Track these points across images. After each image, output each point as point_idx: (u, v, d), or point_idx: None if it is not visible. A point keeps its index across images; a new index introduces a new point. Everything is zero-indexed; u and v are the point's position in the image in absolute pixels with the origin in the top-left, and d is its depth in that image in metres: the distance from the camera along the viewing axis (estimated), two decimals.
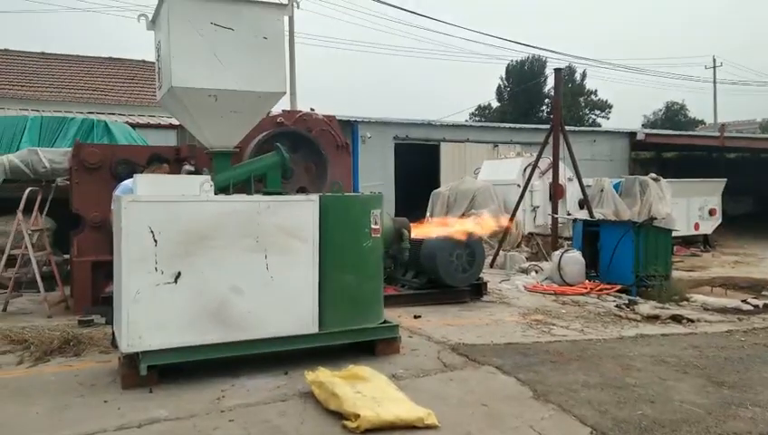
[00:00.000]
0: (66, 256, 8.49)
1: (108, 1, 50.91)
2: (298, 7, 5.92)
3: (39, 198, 7.93)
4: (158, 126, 15.54)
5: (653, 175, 15.67)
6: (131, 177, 6.12)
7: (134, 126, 13.27)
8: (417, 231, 7.41)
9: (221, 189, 5.39)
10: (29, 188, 7.87)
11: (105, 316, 6.43)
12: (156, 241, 4.50)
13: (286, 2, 5.74)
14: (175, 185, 4.92)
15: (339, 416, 3.93)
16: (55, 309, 7.48)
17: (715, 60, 41.83)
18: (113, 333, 5.20)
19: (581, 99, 43.38)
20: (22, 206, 7.67)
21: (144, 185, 4.80)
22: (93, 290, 7.25)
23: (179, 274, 4.57)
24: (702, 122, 44.04)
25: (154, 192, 4.71)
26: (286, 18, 5.84)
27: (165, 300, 4.53)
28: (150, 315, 4.49)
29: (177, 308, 4.57)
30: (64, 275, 8.16)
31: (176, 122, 13.00)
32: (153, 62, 5.86)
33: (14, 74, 20.71)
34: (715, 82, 41.53)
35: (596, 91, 44.30)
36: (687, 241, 16.47)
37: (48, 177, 8.51)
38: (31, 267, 7.61)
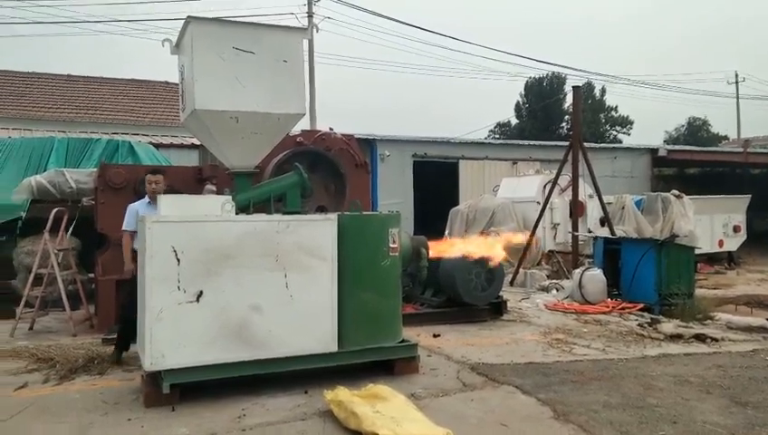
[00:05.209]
0: (91, 275, 8.63)
1: (133, 24, 52.10)
2: (317, 31, 6.05)
3: (65, 218, 8.10)
4: (181, 146, 15.85)
5: (675, 192, 15.48)
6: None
7: (157, 146, 13.53)
8: (436, 249, 7.42)
9: (242, 209, 5.48)
10: (55, 209, 8.04)
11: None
12: (179, 260, 4.58)
13: (306, 26, 5.86)
14: (197, 205, 5.02)
15: None
16: (80, 328, 7.60)
17: (737, 75, 41.44)
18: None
19: (602, 115, 43.12)
20: (48, 226, 7.83)
21: (167, 206, 4.91)
22: (117, 309, 7.35)
23: (201, 293, 4.64)
24: (725, 138, 43.46)
25: (177, 213, 4.81)
26: (306, 41, 5.97)
27: (187, 319, 4.60)
28: (173, 334, 4.56)
29: (198, 327, 4.63)
30: (89, 293, 8.30)
31: (198, 143, 13.22)
32: (176, 84, 6.01)
33: (42, 97, 21.29)
34: (738, 97, 41.11)
35: (616, 107, 44.05)
36: (712, 258, 16.21)
37: (74, 197, 8.69)
38: (57, 286, 7.73)
